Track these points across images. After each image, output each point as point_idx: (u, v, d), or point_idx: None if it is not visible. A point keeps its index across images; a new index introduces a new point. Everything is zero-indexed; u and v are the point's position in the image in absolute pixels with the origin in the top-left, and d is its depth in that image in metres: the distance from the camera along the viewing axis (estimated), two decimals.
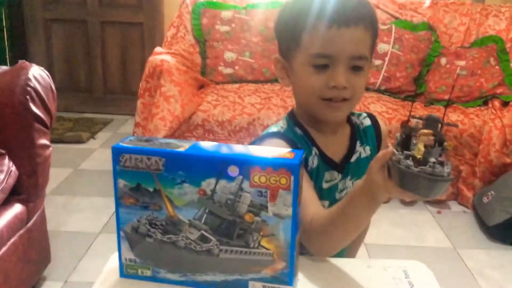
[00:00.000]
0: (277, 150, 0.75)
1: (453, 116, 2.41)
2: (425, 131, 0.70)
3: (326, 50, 0.86)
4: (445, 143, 0.70)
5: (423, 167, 0.66)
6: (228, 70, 2.77)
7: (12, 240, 1.34)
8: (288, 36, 0.91)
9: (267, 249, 0.74)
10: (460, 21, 2.91)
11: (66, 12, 3.74)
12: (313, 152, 0.93)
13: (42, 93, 1.44)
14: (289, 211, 0.72)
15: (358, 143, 0.98)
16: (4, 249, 1.30)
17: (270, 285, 0.76)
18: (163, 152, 0.74)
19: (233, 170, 0.72)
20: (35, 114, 1.41)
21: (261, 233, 0.74)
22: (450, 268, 1.89)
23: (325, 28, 0.85)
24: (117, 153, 0.75)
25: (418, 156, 0.68)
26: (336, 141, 0.97)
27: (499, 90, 2.55)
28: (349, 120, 0.99)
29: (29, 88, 1.39)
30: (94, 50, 3.79)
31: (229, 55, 2.78)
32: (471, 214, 2.30)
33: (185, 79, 2.43)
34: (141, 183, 0.76)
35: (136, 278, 0.81)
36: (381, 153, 0.73)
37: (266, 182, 0.71)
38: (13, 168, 1.36)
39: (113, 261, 0.82)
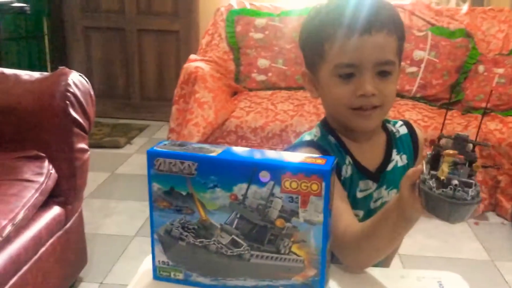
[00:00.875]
0: (308, 156, 0.75)
1: (491, 124, 2.36)
2: (450, 151, 0.67)
3: (350, 59, 0.85)
4: (473, 165, 0.67)
5: (444, 189, 0.64)
6: (261, 77, 2.78)
7: (50, 241, 1.39)
8: (311, 49, 0.91)
9: (298, 255, 0.75)
10: (498, 28, 2.84)
11: (104, 20, 3.84)
12: (347, 161, 0.92)
13: (81, 99, 1.49)
14: (320, 218, 0.72)
15: (394, 152, 0.96)
16: (42, 249, 1.34)
17: None
18: (195, 157, 0.75)
19: (264, 176, 0.72)
20: (74, 119, 1.45)
21: (292, 239, 0.74)
22: (487, 281, 1.84)
23: (347, 37, 0.84)
24: (152, 157, 0.77)
25: (442, 178, 0.66)
26: (371, 149, 0.95)
27: None
28: (384, 128, 0.98)
29: (68, 94, 1.44)
30: (132, 57, 3.87)
31: (262, 62, 2.79)
32: (510, 225, 2.23)
33: (219, 85, 2.46)
34: (175, 187, 0.77)
35: (169, 280, 0.82)
36: (411, 170, 0.71)
37: (297, 188, 0.71)
38: (53, 171, 1.41)
39: (147, 264, 0.84)
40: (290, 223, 0.73)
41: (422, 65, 2.67)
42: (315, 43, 0.89)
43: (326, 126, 0.96)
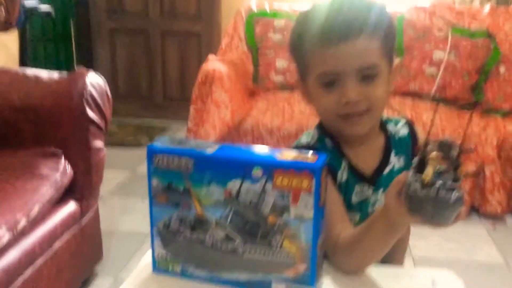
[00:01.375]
0: (300, 153, 0.77)
1: (511, 126, 2.32)
2: (435, 154, 0.69)
3: (331, 68, 0.85)
4: (459, 169, 0.69)
5: (428, 191, 0.66)
6: (279, 78, 2.80)
7: (65, 235, 1.44)
8: (297, 60, 0.92)
9: (289, 250, 0.77)
10: None
11: (129, 22, 3.92)
12: (343, 166, 0.92)
13: (98, 99, 1.54)
14: (311, 214, 0.74)
15: (392, 154, 0.95)
16: (57, 244, 1.39)
17: (292, 285, 0.78)
18: (192, 153, 0.78)
19: (257, 172, 0.75)
20: (91, 117, 1.50)
21: (284, 235, 0.76)
22: (501, 284, 1.82)
23: (325, 47, 0.84)
24: (151, 153, 0.80)
25: (426, 180, 0.67)
26: (368, 152, 0.94)
27: None
28: (384, 129, 0.97)
29: (85, 94, 1.49)
30: (155, 58, 3.94)
31: (280, 63, 2.81)
32: None
33: (236, 86, 2.49)
34: (173, 182, 0.80)
35: (167, 273, 0.85)
36: (397, 179, 0.72)
37: (288, 184, 0.74)
38: (69, 167, 1.46)
39: (148, 257, 0.87)
40: (282, 219, 0.75)
41: (442, 66, 2.64)
42: (299, 54, 0.90)
43: (322, 129, 0.96)
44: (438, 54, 2.67)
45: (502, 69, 2.62)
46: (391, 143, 0.95)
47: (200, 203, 0.79)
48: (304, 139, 0.96)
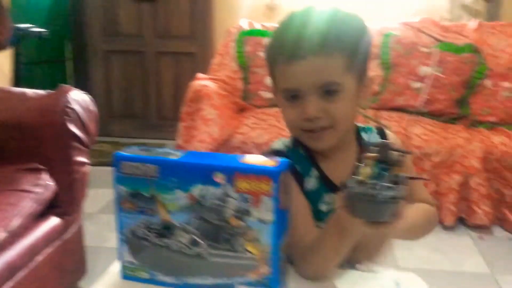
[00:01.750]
0: (262, 158, 0.79)
1: (496, 138, 2.34)
2: (371, 154, 0.73)
3: (291, 84, 0.85)
4: (392, 168, 0.72)
5: (360, 188, 0.70)
6: (269, 95, 2.83)
7: (47, 249, 1.44)
8: (269, 73, 0.93)
9: (252, 253, 0.78)
10: (507, 42, 2.82)
11: (124, 44, 3.97)
12: (312, 174, 0.93)
13: (81, 114, 1.56)
14: (271, 217, 0.76)
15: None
16: (39, 257, 1.40)
17: None
18: (157, 160, 0.80)
19: (218, 177, 0.76)
20: (74, 134, 1.53)
21: (246, 238, 0.78)
22: None
23: (286, 63, 0.84)
24: (118, 160, 0.82)
25: (360, 179, 0.71)
26: (340, 162, 0.93)
27: None
28: (359, 137, 0.97)
29: (68, 110, 1.51)
30: (150, 79, 3.98)
31: (270, 81, 2.84)
32: None
33: (225, 103, 2.52)
34: (139, 189, 0.82)
35: (135, 280, 0.86)
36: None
37: (249, 188, 0.75)
38: (51, 182, 1.48)
39: (117, 264, 0.89)
40: (244, 222, 0.77)
41: (428, 81, 2.67)
42: (268, 67, 0.92)
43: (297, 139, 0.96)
44: (424, 70, 2.70)
45: (488, 82, 2.66)
46: (363, 151, 0.95)
47: (166, 209, 0.81)
48: (276, 145, 0.97)
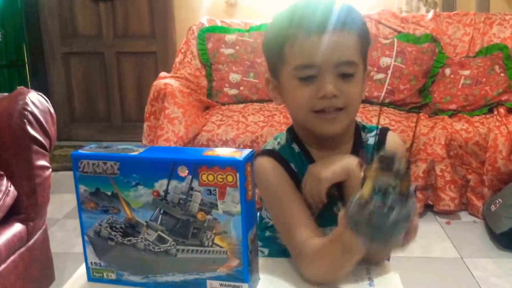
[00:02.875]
0: (226, 150, 0.77)
1: (458, 125, 2.39)
2: (370, 169, 0.64)
3: (310, 59, 0.83)
4: (397, 183, 0.62)
5: (363, 212, 0.62)
6: (233, 91, 2.82)
7: (11, 258, 1.40)
8: (273, 53, 0.89)
9: (220, 247, 0.77)
10: (464, 31, 2.90)
11: (83, 45, 3.89)
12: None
13: (40, 117, 1.51)
14: (238, 208, 0.74)
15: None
16: (3, 266, 1.35)
17: (227, 282, 0.78)
18: (117, 157, 0.78)
19: (182, 170, 0.75)
20: (33, 136, 1.48)
21: (214, 231, 0.76)
22: (455, 278, 1.85)
23: (306, 37, 0.82)
24: (76, 159, 0.80)
25: (363, 198, 0.63)
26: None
27: (504, 97, 2.52)
28: (357, 135, 0.94)
29: (26, 112, 1.46)
30: (111, 80, 3.91)
31: (234, 77, 2.84)
32: (481, 223, 2.25)
33: (189, 101, 2.49)
34: (100, 187, 0.79)
35: (102, 281, 0.84)
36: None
37: (214, 180, 0.74)
38: (12, 188, 1.42)
39: (83, 266, 0.86)
40: (211, 216, 0.76)
41: (389, 72, 2.71)
42: (275, 46, 0.88)
43: (292, 133, 0.94)
44: (385, 61, 2.74)
45: (447, 71, 2.71)
46: (358, 151, 0.92)
47: (129, 206, 0.79)
48: (269, 145, 0.94)
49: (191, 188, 0.75)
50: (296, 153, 0.91)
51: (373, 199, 0.62)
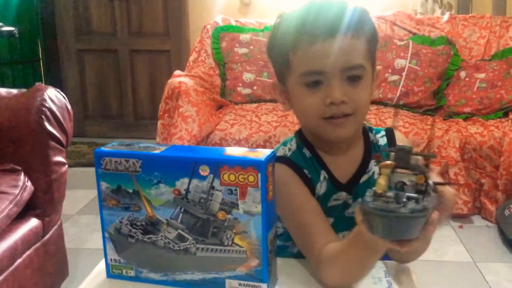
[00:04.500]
0: (248, 150, 0.78)
1: (473, 128, 2.38)
2: (387, 162, 0.63)
3: (316, 66, 0.82)
4: (415, 178, 0.62)
5: (377, 203, 0.60)
6: (247, 91, 2.83)
7: (27, 252, 1.41)
8: (278, 59, 0.88)
9: (240, 246, 0.77)
10: (480, 34, 2.88)
11: (97, 43, 3.91)
12: (322, 177, 0.89)
13: (58, 113, 1.52)
14: (259, 208, 0.75)
15: (373, 162, 0.91)
16: (19, 261, 1.36)
17: (245, 282, 0.78)
18: (139, 155, 0.79)
19: (203, 170, 0.75)
20: (50, 132, 1.49)
21: (234, 231, 0.77)
22: (468, 282, 1.84)
23: (310, 43, 0.81)
24: (99, 156, 0.80)
25: (379, 192, 0.61)
26: (346, 160, 0.91)
27: None
28: (366, 137, 0.93)
29: (44, 108, 1.48)
30: (124, 77, 3.93)
31: (247, 76, 2.84)
32: (494, 228, 2.23)
33: (203, 99, 2.50)
34: (121, 184, 0.80)
35: (121, 278, 0.85)
36: None
37: (235, 180, 0.74)
38: (28, 183, 1.44)
39: (103, 263, 0.87)
40: (231, 215, 0.76)
41: (404, 73, 2.70)
42: (280, 53, 0.87)
43: (301, 137, 0.93)
44: (400, 62, 2.73)
45: (462, 74, 2.70)
46: (371, 151, 0.92)
47: (150, 204, 0.80)
48: (280, 151, 0.92)
49: (212, 187, 0.75)
50: (308, 158, 0.90)
51: (388, 193, 0.61)
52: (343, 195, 0.90)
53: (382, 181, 0.62)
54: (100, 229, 0.85)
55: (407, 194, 0.61)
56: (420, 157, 0.63)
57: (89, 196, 2.72)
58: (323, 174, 0.89)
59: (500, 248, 2.07)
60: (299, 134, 0.94)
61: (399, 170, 0.64)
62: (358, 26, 0.82)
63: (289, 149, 0.92)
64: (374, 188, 0.62)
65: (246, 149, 0.78)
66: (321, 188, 0.89)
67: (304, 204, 0.87)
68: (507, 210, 2.10)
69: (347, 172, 0.90)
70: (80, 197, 2.68)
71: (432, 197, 0.62)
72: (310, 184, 0.88)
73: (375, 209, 0.60)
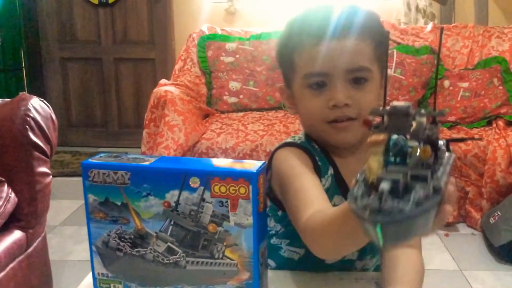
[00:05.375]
0: (238, 162, 0.77)
1: (457, 136, 2.40)
2: (378, 137, 0.44)
3: (319, 67, 0.81)
4: (420, 150, 0.43)
5: (367, 201, 0.42)
6: (233, 99, 2.82)
7: (10, 265, 1.38)
8: (284, 62, 0.88)
9: (231, 259, 0.76)
10: (463, 43, 2.92)
11: (81, 51, 3.88)
12: (329, 172, 0.87)
13: (42, 123, 1.50)
14: (250, 221, 0.74)
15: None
16: (2, 274, 1.33)
17: None
18: (128, 166, 0.77)
19: (194, 181, 0.74)
20: (34, 143, 1.46)
21: (225, 243, 0.75)
22: None
23: (315, 45, 0.81)
24: (86, 168, 0.79)
25: (371, 180, 0.43)
26: (357, 164, 0.85)
27: (503, 110, 2.54)
28: None
29: (28, 118, 1.45)
30: (109, 86, 3.90)
31: (233, 85, 2.84)
32: (480, 236, 2.25)
33: (189, 108, 2.49)
34: (110, 197, 0.78)
35: None
36: None
37: (226, 192, 0.73)
38: (12, 195, 1.41)
39: (90, 277, 0.85)
40: (222, 228, 0.75)
41: (388, 83, 2.72)
42: (285, 55, 0.87)
43: (308, 136, 0.90)
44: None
45: (446, 83, 2.73)
46: None
47: (139, 217, 0.78)
48: (290, 139, 0.91)
49: (203, 200, 0.74)
50: (318, 150, 0.88)
51: (382, 182, 0.41)
52: (344, 200, 0.86)
53: (373, 164, 0.43)
54: (84, 240, 0.83)
55: (410, 173, 0.42)
56: (423, 119, 0.45)
57: (73, 207, 2.68)
58: (330, 170, 0.87)
59: (486, 256, 2.09)
60: (306, 135, 0.91)
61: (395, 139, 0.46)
62: (364, 28, 0.82)
63: (299, 139, 0.90)
64: (364, 172, 0.45)
65: (236, 160, 0.78)
66: (326, 183, 0.87)
67: (305, 174, 0.82)
68: (492, 218, 2.12)
69: (355, 175, 0.86)
70: (63, 207, 2.64)
71: (444, 163, 0.45)
72: (319, 172, 0.85)
73: (365, 210, 0.41)
